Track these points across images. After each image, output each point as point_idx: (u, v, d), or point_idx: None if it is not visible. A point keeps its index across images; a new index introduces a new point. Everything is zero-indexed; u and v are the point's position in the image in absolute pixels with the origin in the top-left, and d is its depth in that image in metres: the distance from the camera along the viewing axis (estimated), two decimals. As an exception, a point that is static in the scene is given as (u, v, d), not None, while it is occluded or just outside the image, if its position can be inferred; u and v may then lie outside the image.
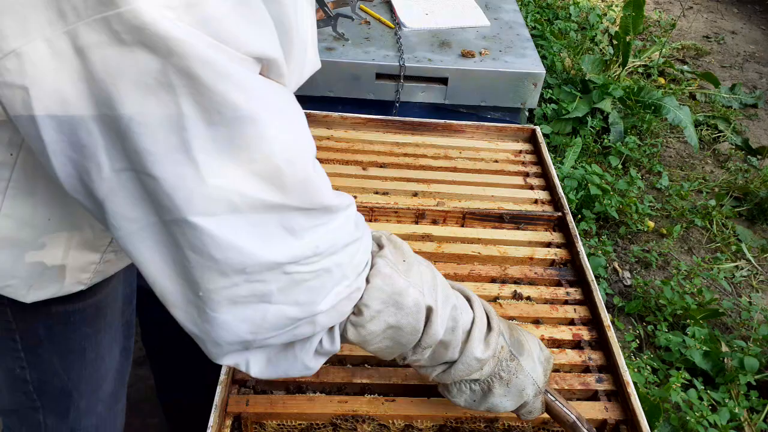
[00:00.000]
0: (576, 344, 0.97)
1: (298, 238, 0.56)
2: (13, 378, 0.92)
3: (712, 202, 2.63)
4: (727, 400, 1.79)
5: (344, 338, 0.67)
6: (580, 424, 0.79)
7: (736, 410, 1.75)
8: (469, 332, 0.72)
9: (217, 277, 0.54)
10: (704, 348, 1.91)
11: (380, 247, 0.69)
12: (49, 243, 0.73)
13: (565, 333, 0.98)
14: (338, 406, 0.83)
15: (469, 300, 0.75)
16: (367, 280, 0.65)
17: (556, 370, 0.93)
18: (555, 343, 0.97)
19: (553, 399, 0.79)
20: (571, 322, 1.00)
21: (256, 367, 0.65)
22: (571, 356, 0.94)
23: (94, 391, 0.99)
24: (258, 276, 0.55)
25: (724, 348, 1.94)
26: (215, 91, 0.47)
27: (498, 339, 0.75)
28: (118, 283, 0.93)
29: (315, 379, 0.86)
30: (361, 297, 0.64)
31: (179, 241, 0.52)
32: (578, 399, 0.90)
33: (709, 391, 1.81)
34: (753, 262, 2.42)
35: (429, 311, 0.68)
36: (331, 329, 0.66)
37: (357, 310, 0.65)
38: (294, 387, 0.86)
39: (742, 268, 2.39)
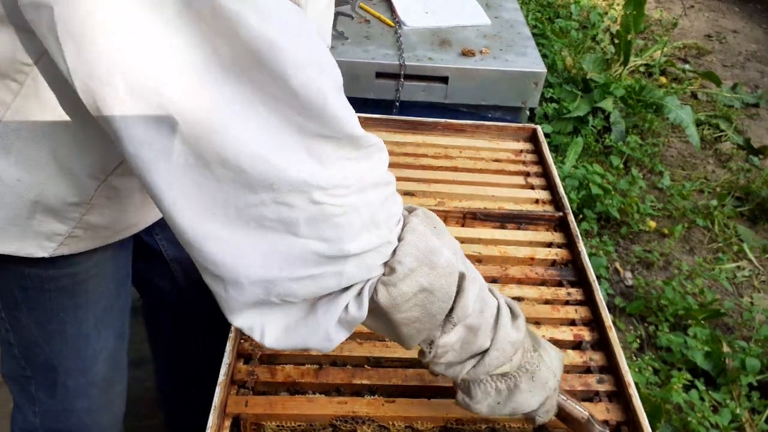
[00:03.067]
0: (577, 345, 0.96)
1: (325, 166, 0.55)
2: (2, 340, 0.96)
3: (714, 202, 2.62)
4: (728, 401, 1.78)
5: (374, 302, 0.62)
6: (593, 422, 0.78)
7: (738, 411, 1.74)
8: (497, 317, 0.69)
9: (246, 193, 0.53)
10: (706, 349, 1.90)
11: (410, 211, 0.68)
12: (14, 203, 0.73)
13: (566, 333, 0.97)
14: (338, 408, 0.83)
15: (489, 288, 0.73)
16: (400, 240, 0.63)
17: (557, 371, 0.92)
18: (556, 344, 0.96)
19: (565, 399, 0.78)
20: (572, 323, 1.00)
21: (272, 334, 0.61)
22: (573, 357, 0.94)
23: (83, 372, 1.00)
24: (285, 197, 0.54)
25: (726, 349, 1.94)
26: (230, 11, 0.47)
27: (525, 325, 0.72)
28: (103, 262, 0.93)
29: (314, 380, 0.86)
30: (394, 254, 0.62)
31: (206, 158, 0.51)
32: (579, 400, 0.89)
33: (710, 392, 1.81)
34: (755, 262, 2.42)
35: (462, 278, 0.65)
36: (359, 294, 0.62)
37: (389, 269, 0.62)
38: (294, 388, 0.86)
39: (744, 269, 2.39)
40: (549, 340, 0.96)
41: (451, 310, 0.65)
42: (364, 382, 0.87)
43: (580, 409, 0.78)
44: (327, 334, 0.62)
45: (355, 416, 0.82)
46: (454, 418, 0.84)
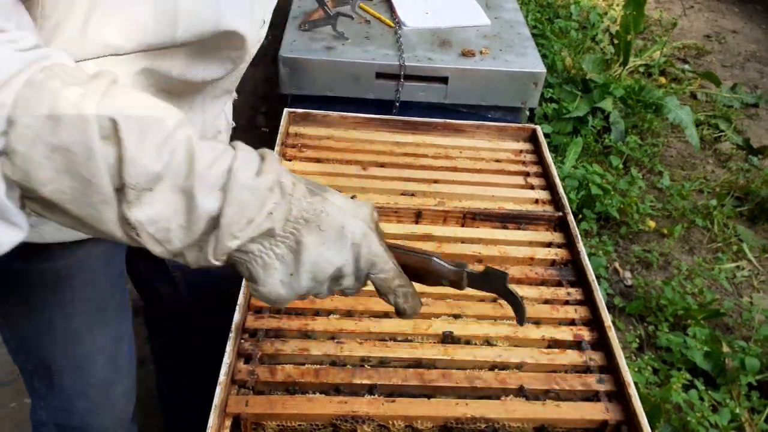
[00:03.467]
0: (577, 345, 0.96)
1: None
2: (2, 335, 0.98)
3: (714, 202, 2.62)
4: (728, 401, 1.79)
5: (9, 180, 0.48)
6: (441, 262, 0.67)
7: (737, 411, 1.74)
8: (229, 169, 0.54)
9: None
10: (705, 348, 1.90)
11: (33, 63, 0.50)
12: None
13: (565, 333, 0.97)
14: (338, 407, 0.83)
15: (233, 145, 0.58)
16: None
17: (557, 370, 0.92)
18: (556, 344, 0.97)
19: (404, 250, 0.65)
20: (571, 323, 1.00)
21: None
22: (572, 357, 0.94)
23: (78, 371, 1.00)
24: None
25: (725, 348, 1.94)
26: None
27: (279, 167, 0.58)
28: (88, 260, 0.93)
29: (314, 380, 0.86)
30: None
31: None
32: (579, 400, 0.90)
33: (710, 392, 1.81)
34: (754, 262, 2.42)
35: (114, 124, 0.49)
36: None
37: (3, 130, 0.47)
38: (294, 387, 0.86)
39: (743, 269, 2.39)
40: (548, 340, 0.96)
41: (117, 169, 0.50)
42: (364, 381, 0.87)
43: (421, 256, 0.66)
44: None
45: (355, 416, 0.82)
46: (454, 418, 0.84)
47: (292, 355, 0.89)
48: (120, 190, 0.51)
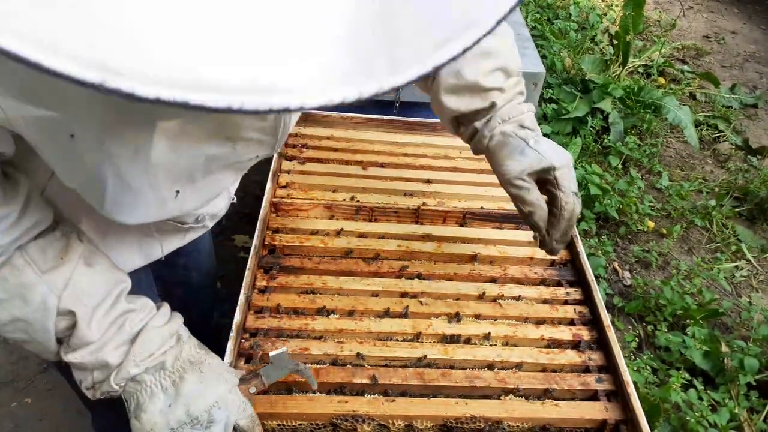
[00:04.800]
0: (576, 344, 0.97)
1: None
2: None
3: (712, 202, 2.62)
4: (727, 400, 1.79)
5: None
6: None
7: (736, 410, 1.75)
8: (144, 325, 0.73)
9: None
10: (704, 348, 1.91)
11: (64, 241, 0.70)
12: None
13: (565, 333, 0.98)
14: (338, 407, 0.83)
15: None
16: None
17: (556, 370, 0.93)
18: (555, 343, 0.97)
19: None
20: (571, 322, 1.00)
21: None
22: (571, 356, 0.94)
23: None
24: None
25: (724, 348, 1.94)
26: None
27: (180, 324, 0.77)
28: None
29: (315, 380, 0.86)
30: None
31: None
32: (578, 399, 0.90)
33: (709, 392, 1.81)
34: (753, 262, 2.42)
35: (72, 314, 0.68)
36: None
37: None
38: (294, 387, 0.86)
39: (742, 268, 2.39)
40: (548, 339, 0.96)
41: (66, 339, 0.70)
42: (364, 381, 0.87)
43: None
44: None
45: (355, 415, 0.82)
46: (453, 417, 0.84)
47: (292, 354, 0.89)
48: (60, 342, 0.70)
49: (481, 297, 1.02)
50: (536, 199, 0.89)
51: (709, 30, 4.23)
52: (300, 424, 0.83)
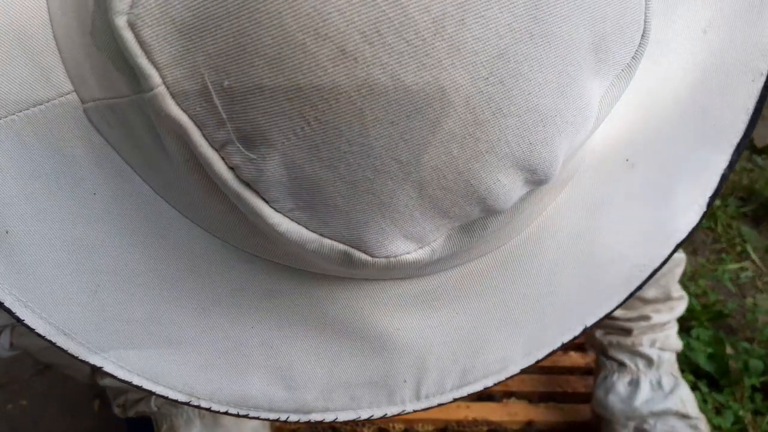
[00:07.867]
0: (579, 346, 0.95)
1: None
2: None
3: (717, 202, 2.61)
4: (731, 403, 1.77)
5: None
6: None
7: (741, 413, 1.73)
8: None
9: None
10: (709, 350, 1.89)
11: None
12: None
13: (568, 334, 0.96)
14: (336, 409, 0.82)
15: None
16: None
17: (559, 372, 0.91)
18: (558, 345, 0.95)
19: None
20: (574, 324, 0.99)
21: None
22: (574, 359, 0.93)
23: None
24: None
25: (729, 350, 1.93)
26: None
27: None
28: None
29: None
30: None
31: None
32: (581, 401, 0.89)
33: (713, 394, 1.80)
34: (758, 263, 2.41)
35: None
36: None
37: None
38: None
39: (747, 269, 2.38)
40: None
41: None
42: (363, 383, 0.86)
43: None
44: None
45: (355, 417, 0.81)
46: (454, 420, 0.83)
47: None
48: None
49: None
50: None
51: (713, 29, 4.23)
52: (299, 427, 0.81)
